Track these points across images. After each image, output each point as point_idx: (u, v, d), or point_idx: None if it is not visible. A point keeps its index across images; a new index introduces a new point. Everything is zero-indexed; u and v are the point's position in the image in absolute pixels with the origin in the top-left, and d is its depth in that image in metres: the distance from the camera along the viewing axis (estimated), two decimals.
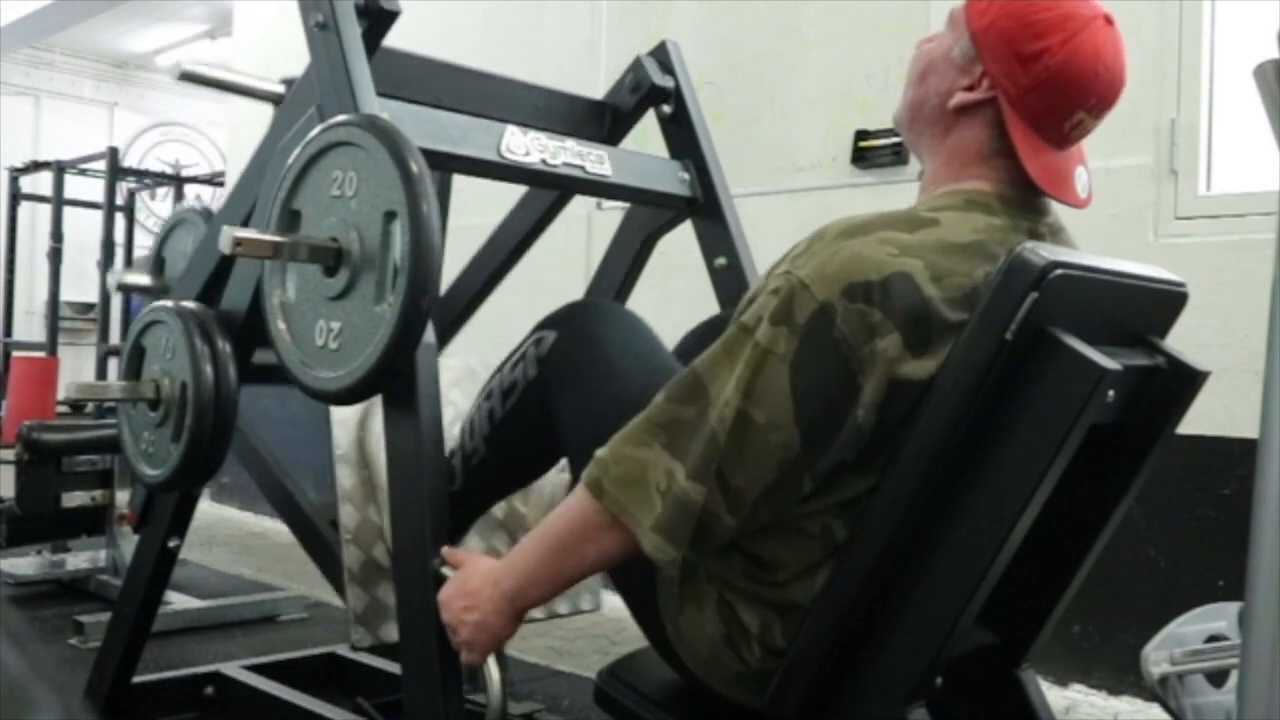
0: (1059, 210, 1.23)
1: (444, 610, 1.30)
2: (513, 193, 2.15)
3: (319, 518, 1.81)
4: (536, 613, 1.79)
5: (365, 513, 1.74)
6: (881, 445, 1.10)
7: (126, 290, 2.01)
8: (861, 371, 1.06)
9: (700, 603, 1.22)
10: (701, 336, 1.64)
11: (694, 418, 1.11)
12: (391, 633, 1.69)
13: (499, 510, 1.81)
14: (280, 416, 2.68)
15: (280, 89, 1.72)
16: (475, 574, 1.29)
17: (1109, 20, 1.16)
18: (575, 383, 1.36)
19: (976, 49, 1.16)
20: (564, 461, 1.50)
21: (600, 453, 1.16)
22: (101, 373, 5.94)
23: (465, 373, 1.99)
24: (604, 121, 2.01)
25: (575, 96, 2.00)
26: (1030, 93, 1.14)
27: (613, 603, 1.49)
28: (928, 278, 1.06)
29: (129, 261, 6.79)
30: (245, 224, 1.63)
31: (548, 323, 1.43)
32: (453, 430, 1.62)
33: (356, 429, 1.79)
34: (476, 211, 2.50)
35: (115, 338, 5.70)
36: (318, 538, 1.80)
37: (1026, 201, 1.18)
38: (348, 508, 1.72)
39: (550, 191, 2.04)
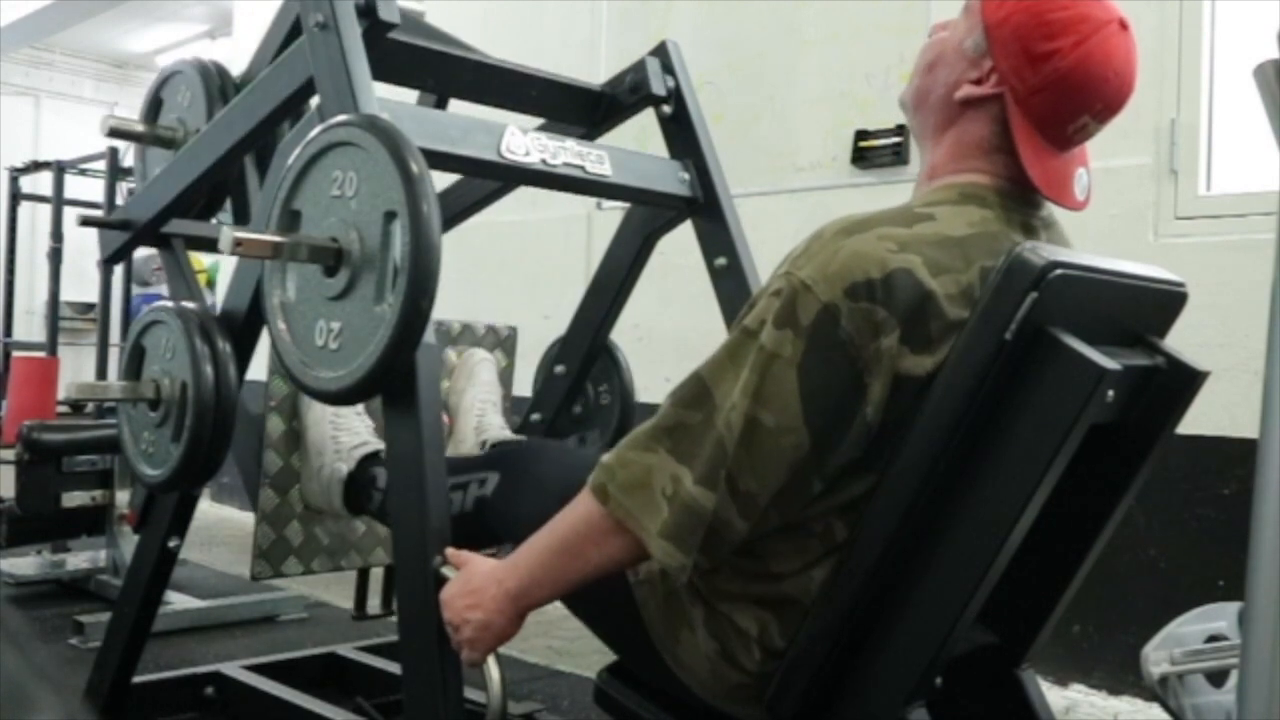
0: (1053, 205, 1.23)
1: (447, 609, 1.30)
2: (514, 192, 2.15)
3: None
4: None
5: (288, 460, 1.89)
6: (884, 443, 1.10)
7: (120, 135, 1.97)
8: (868, 370, 1.06)
9: (691, 625, 1.22)
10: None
11: (699, 423, 1.11)
12: (291, 567, 1.92)
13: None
14: None
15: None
16: (478, 573, 1.29)
17: (1124, 25, 1.15)
18: (513, 516, 1.47)
19: (988, 43, 1.15)
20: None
21: (605, 458, 1.16)
22: (101, 373, 5.94)
23: (459, 364, 2.06)
24: (597, 109, 2.01)
25: (569, 83, 1.98)
26: (1037, 92, 1.13)
27: None
28: (928, 272, 1.06)
29: (128, 263, 6.77)
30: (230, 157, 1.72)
31: (495, 462, 1.56)
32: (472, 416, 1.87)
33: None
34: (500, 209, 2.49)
35: (116, 337, 5.69)
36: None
37: (1021, 196, 1.18)
38: (271, 454, 1.87)
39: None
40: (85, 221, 2.04)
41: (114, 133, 1.96)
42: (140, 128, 2.00)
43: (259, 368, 1.76)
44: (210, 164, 1.78)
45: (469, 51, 1.88)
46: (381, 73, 1.59)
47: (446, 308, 1.93)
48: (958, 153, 1.19)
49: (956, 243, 1.10)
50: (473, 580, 1.28)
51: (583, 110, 2.00)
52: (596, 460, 1.21)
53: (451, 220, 2.13)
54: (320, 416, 1.86)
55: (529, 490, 1.48)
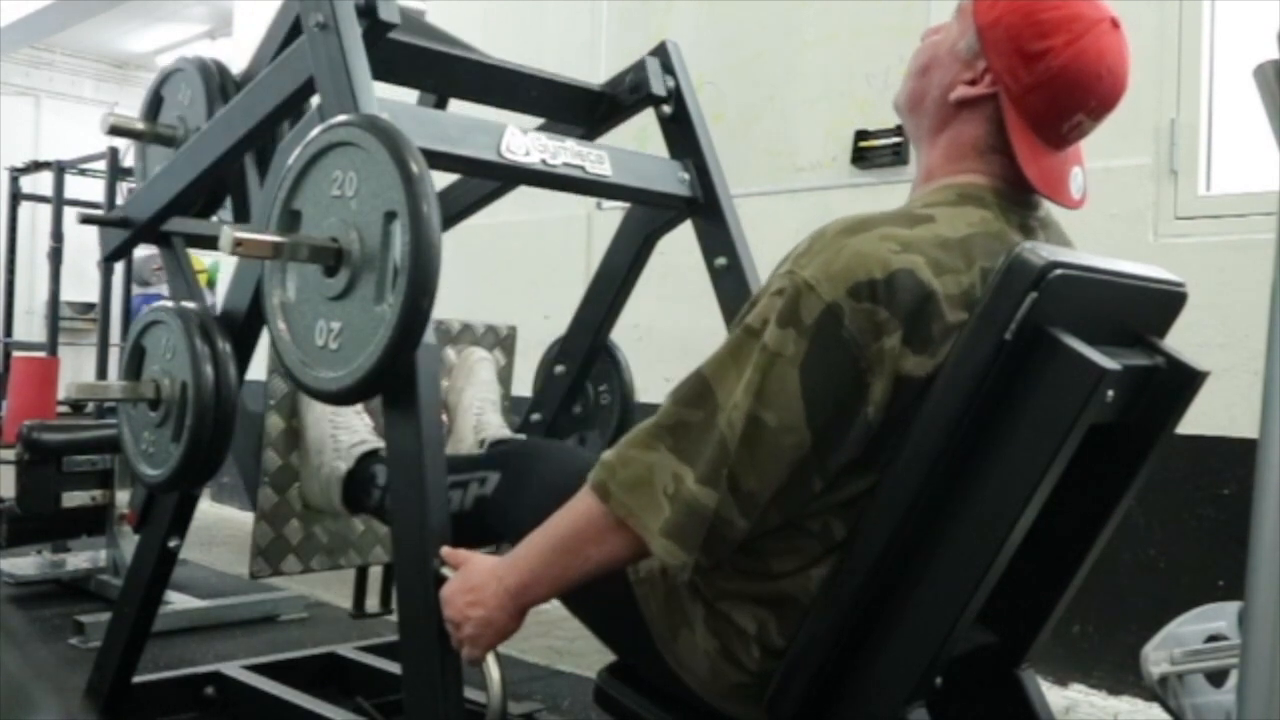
0: (1050, 204, 1.24)
1: (447, 606, 1.30)
2: (511, 192, 2.15)
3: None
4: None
5: (287, 458, 1.89)
6: (884, 443, 1.10)
7: (120, 133, 1.97)
8: (870, 370, 1.06)
9: (690, 624, 1.22)
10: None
11: (701, 422, 1.11)
12: (291, 565, 1.90)
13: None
14: None
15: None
16: (479, 570, 1.29)
17: (1115, 23, 1.15)
18: (514, 515, 1.47)
19: (981, 44, 1.16)
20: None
21: (606, 456, 1.16)
22: (101, 373, 5.94)
23: (458, 363, 2.07)
24: (598, 110, 2.01)
25: (570, 83, 1.98)
26: (1032, 91, 1.14)
27: None
28: (931, 272, 1.07)
29: (129, 262, 6.78)
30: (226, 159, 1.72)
31: (494, 461, 1.56)
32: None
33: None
34: (502, 210, 2.49)
35: (116, 337, 5.69)
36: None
37: (1018, 196, 1.18)
38: (270, 452, 1.86)
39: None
40: (86, 219, 2.04)
41: (115, 130, 1.96)
42: (140, 125, 2.00)
43: (259, 368, 1.76)
44: (211, 162, 1.78)
45: (469, 51, 1.88)
46: (382, 73, 1.59)
47: (446, 308, 1.93)
48: (953, 154, 1.19)
49: (957, 244, 1.10)
50: (473, 577, 1.28)
51: (583, 110, 2.00)
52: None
53: (451, 220, 2.13)
54: (319, 415, 1.86)
55: (530, 489, 1.48)
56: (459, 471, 1.56)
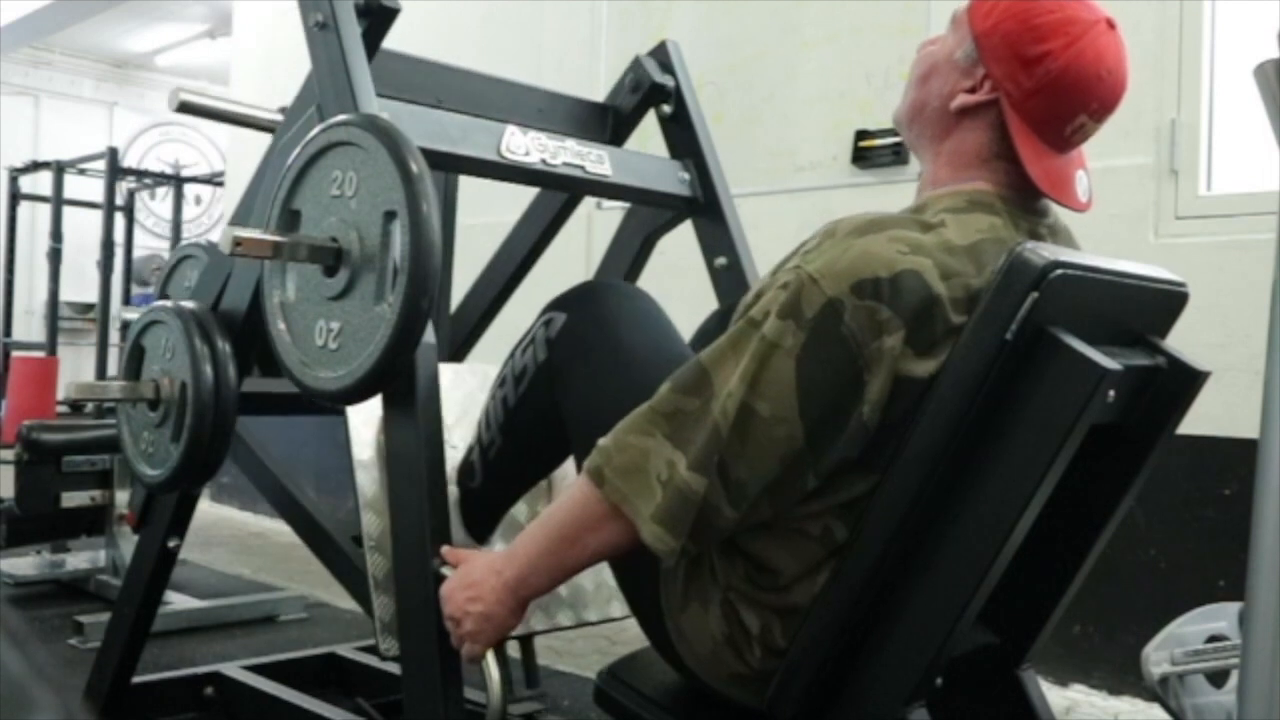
0: (1059, 210, 1.24)
1: (448, 603, 1.30)
2: (511, 192, 2.15)
3: (323, 518, 1.79)
4: (537, 624, 1.75)
5: (388, 519, 1.63)
6: (884, 444, 1.10)
7: (82, 399, 1.97)
8: (868, 368, 1.06)
9: (705, 602, 1.22)
10: (721, 320, 1.62)
11: (697, 409, 1.11)
12: None
13: (522, 513, 1.77)
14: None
15: (278, 118, 1.71)
16: (477, 566, 1.29)
17: (1111, 24, 1.16)
18: (583, 367, 1.37)
19: (979, 51, 1.16)
20: None
21: (603, 441, 1.16)
22: (101, 372, 5.94)
23: (483, 382, 2.00)
24: (606, 124, 2.01)
25: (577, 99, 2.00)
26: (1032, 96, 1.14)
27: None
28: (938, 276, 1.07)
29: (128, 262, 6.79)
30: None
31: (557, 304, 1.44)
32: (451, 436, 1.63)
33: (377, 434, 1.73)
34: (476, 211, 2.50)
35: (115, 337, 5.69)
36: (323, 538, 1.76)
37: (1027, 203, 1.19)
38: (370, 515, 1.65)
39: (557, 196, 2.04)
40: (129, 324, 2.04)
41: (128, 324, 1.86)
42: (118, 393, 1.79)
43: None
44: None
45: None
46: (385, 88, 1.58)
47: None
48: (958, 162, 1.20)
49: (966, 249, 1.10)
50: (472, 573, 1.29)
51: (591, 124, 2.00)
52: (673, 350, 1.21)
53: (546, 235, 2.10)
54: None
55: (596, 339, 1.37)
56: (524, 336, 1.47)
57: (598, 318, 1.39)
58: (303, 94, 1.60)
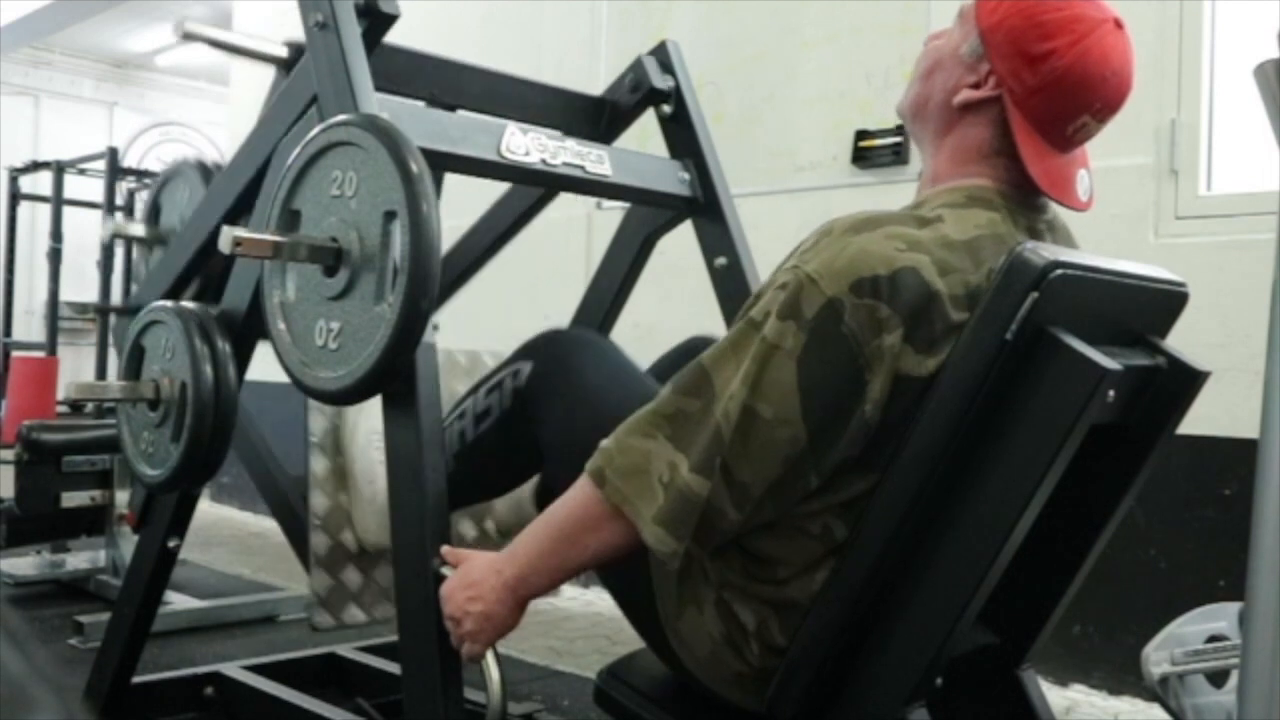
0: (1058, 206, 1.23)
1: (448, 603, 1.30)
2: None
3: (303, 510, 1.83)
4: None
5: (336, 499, 1.79)
6: (884, 443, 1.10)
7: (122, 239, 1.99)
8: (869, 367, 1.06)
9: (700, 604, 1.22)
10: (678, 357, 1.69)
11: (699, 411, 1.11)
12: (353, 615, 1.78)
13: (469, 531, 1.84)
14: (280, 416, 2.68)
15: (284, 52, 1.71)
16: (478, 566, 1.29)
17: (1119, 24, 1.15)
18: (552, 411, 1.41)
19: (984, 47, 1.16)
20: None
21: (605, 443, 1.16)
22: (101, 373, 5.93)
23: (470, 366, 2.02)
24: (601, 118, 2.01)
25: (573, 93, 1.99)
26: (1036, 93, 1.14)
27: (613, 602, 1.49)
28: (936, 272, 1.07)
29: (128, 261, 6.78)
30: (236, 217, 1.65)
31: (523, 353, 1.48)
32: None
33: (333, 417, 1.81)
34: (476, 212, 2.49)
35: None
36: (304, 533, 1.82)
37: (1026, 199, 1.19)
38: (318, 494, 1.77)
39: (531, 191, 2.04)
40: (100, 309, 2.07)
41: (117, 236, 1.97)
42: (142, 231, 2.01)
43: (259, 369, 1.75)
44: (227, 208, 1.74)
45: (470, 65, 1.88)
46: (383, 83, 1.58)
47: (447, 308, 1.93)
48: (959, 158, 1.19)
49: (964, 245, 1.10)
50: (472, 573, 1.29)
51: (587, 119, 2.00)
52: (636, 384, 1.20)
53: (506, 233, 2.11)
54: (365, 445, 1.79)
55: (562, 383, 1.42)
56: (489, 378, 1.52)
57: (562, 365, 1.43)
58: (295, 82, 1.60)
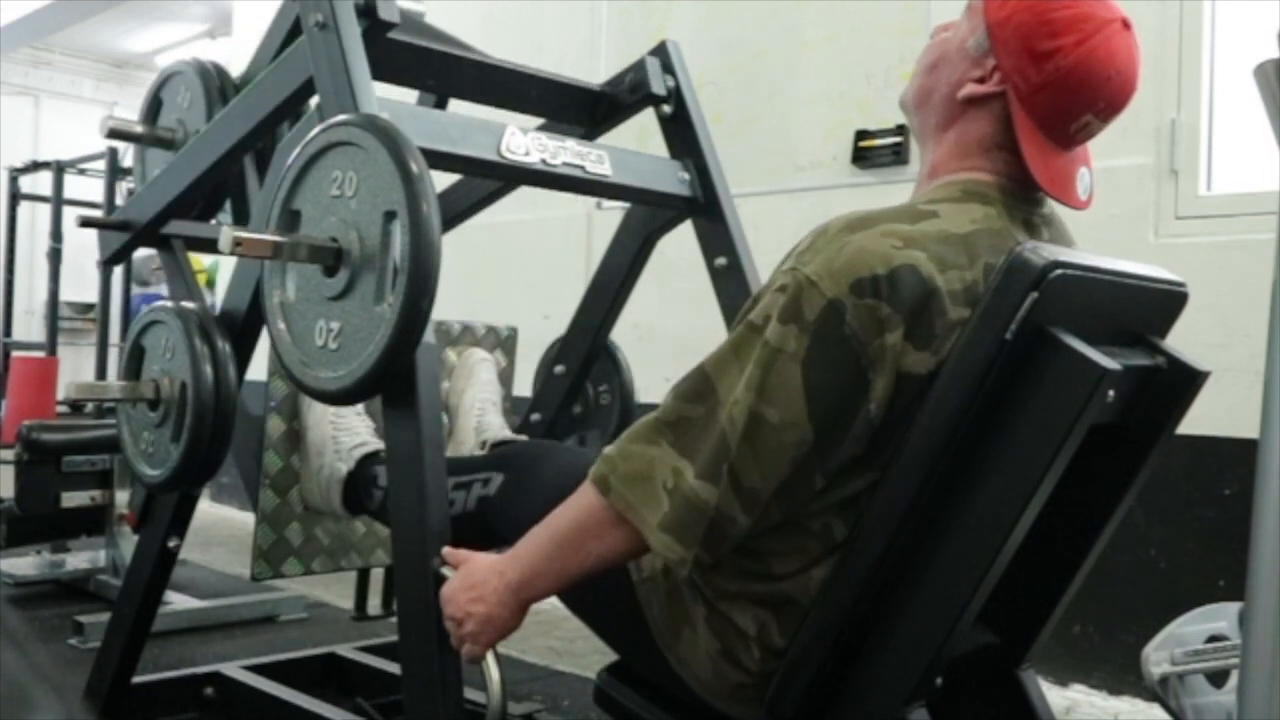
0: (1054, 203, 1.23)
1: (449, 604, 1.30)
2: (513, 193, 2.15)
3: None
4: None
5: (288, 460, 1.89)
6: (884, 442, 1.10)
7: (120, 136, 1.98)
8: (872, 367, 1.06)
9: (693, 623, 1.22)
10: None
11: (702, 417, 1.11)
12: (291, 568, 1.92)
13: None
14: None
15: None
16: (480, 567, 1.29)
17: (1126, 24, 1.15)
18: (516, 516, 1.45)
19: (991, 42, 1.16)
20: None
21: (608, 450, 1.16)
22: (101, 373, 5.93)
23: (458, 365, 2.06)
24: (598, 109, 2.01)
25: (569, 83, 1.98)
26: (1040, 90, 1.13)
27: None
28: (934, 268, 1.07)
29: (128, 262, 6.77)
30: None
31: (497, 463, 1.56)
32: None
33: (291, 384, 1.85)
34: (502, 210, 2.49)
35: (115, 337, 5.69)
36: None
37: (1023, 193, 1.18)
38: (271, 454, 1.86)
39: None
40: (85, 222, 2.04)
41: (114, 133, 1.96)
42: (139, 129, 2.00)
43: (260, 369, 1.76)
44: (210, 164, 1.78)
45: (469, 51, 1.88)
46: (381, 72, 1.58)
47: (447, 308, 1.92)
48: (959, 151, 1.19)
49: (960, 239, 1.10)
50: (474, 575, 1.28)
51: (583, 110, 2.00)
52: None
53: (451, 221, 2.13)
54: (320, 417, 1.86)
55: (534, 490, 1.48)
56: (461, 473, 1.55)
57: (535, 481, 1.48)
58: (289, 60, 1.61)
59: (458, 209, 2.16)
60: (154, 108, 2.03)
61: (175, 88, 1.99)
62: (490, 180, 2.07)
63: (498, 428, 1.95)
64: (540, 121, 2.03)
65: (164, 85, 2.02)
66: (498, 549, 1.44)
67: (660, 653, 1.26)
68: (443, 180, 2.08)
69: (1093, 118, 1.15)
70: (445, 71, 1.84)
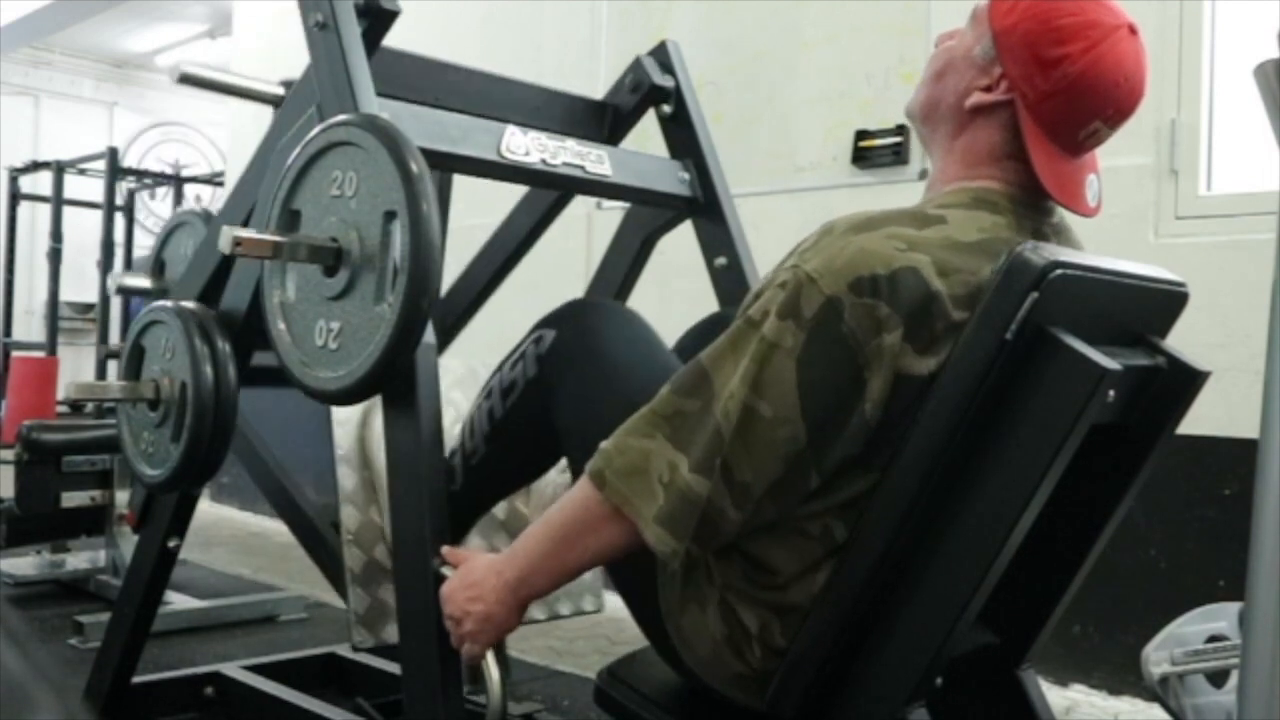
0: (1064, 210, 1.23)
1: (448, 603, 1.30)
2: (512, 194, 2.15)
3: (319, 518, 1.81)
4: (537, 613, 1.79)
5: (367, 514, 1.75)
6: (884, 443, 1.10)
7: (126, 293, 2.02)
8: (868, 366, 1.06)
9: (703, 603, 1.22)
10: (701, 334, 1.65)
11: (698, 410, 1.12)
12: (393, 634, 1.68)
13: (500, 510, 1.81)
14: (280, 416, 2.68)
15: (280, 91, 1.71)
16: (478, 566, 1.29)
17: (1133, 30, 1.15)
18: (575, 381, 1.36)
19: (997, 49, 1.15)
20: (564, 462, 1.51)
21: (604, 444, 1.16)
22: (101, 373, 5.94)
23: (466, 374, 1.99)
24: (604, 121, 2.01)
25: (575, 96, 2.00)
26: (1048, 98, 1.13)
27: (613, 603, 1.49)
28: (935, 272, 1.06)
29: (128, 262, 6.79)
30: (245, 224, 1.64)
31: (547, 321, 1.43)
32: (453, 431, 1.62)
33: (358, 429, 1.79)
34: (476, 212, 2.50)
35: (115, 338, 5.69)
36: (317, 538, 1.81)
37: (1033, 202, 1.18)
38: (349, 509, 1.72)
39: (549, 193, 2.04)
40: (122, 290, 2.15)
41: (121, 290, 2.09)
42: (148, 284, 2.08)
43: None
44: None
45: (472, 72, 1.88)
46: (384, 87, 1.57)
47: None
48: (969, 160, 1.19)
49: (967, 247, 1.10)
50: (473, 573, 1.29)
51: (589, 122, 2.00)
52: (660, 364, 1.21)
53: (525, 241, 2.12)
54: None
55: (584, 356, 1.37)
56: (513, 351, 1.47)
57: (587, 334, 1.38)
58: (300, 88, 1.60)
59: (527, 227, 2.11)
60: (159, 266, 2.12)
61: (179, 240, 2.10)
62: (547, 191, 2.02)
63: None
64: None
65: (166, 242, 2.13)
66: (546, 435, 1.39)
67: (660, 620, 1.26)
68: (507, 203, 2.09)
69: (1101, 124, 1.15)
70: (447, 86, 1.83)
